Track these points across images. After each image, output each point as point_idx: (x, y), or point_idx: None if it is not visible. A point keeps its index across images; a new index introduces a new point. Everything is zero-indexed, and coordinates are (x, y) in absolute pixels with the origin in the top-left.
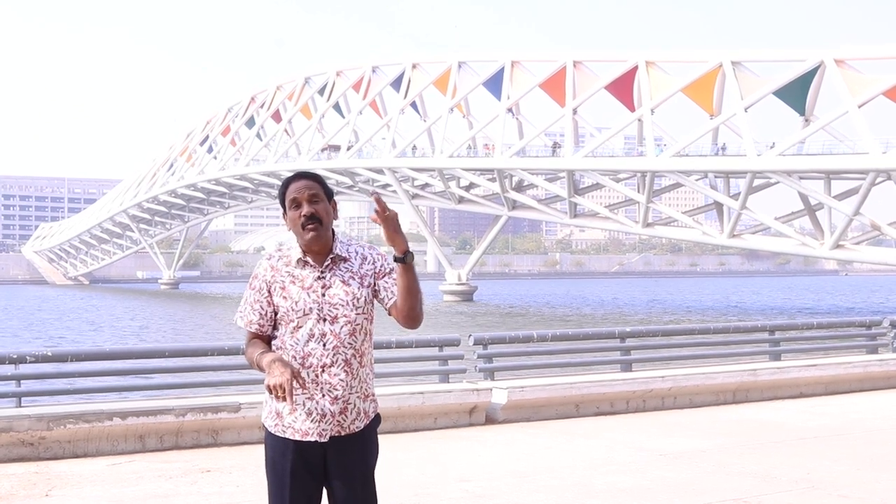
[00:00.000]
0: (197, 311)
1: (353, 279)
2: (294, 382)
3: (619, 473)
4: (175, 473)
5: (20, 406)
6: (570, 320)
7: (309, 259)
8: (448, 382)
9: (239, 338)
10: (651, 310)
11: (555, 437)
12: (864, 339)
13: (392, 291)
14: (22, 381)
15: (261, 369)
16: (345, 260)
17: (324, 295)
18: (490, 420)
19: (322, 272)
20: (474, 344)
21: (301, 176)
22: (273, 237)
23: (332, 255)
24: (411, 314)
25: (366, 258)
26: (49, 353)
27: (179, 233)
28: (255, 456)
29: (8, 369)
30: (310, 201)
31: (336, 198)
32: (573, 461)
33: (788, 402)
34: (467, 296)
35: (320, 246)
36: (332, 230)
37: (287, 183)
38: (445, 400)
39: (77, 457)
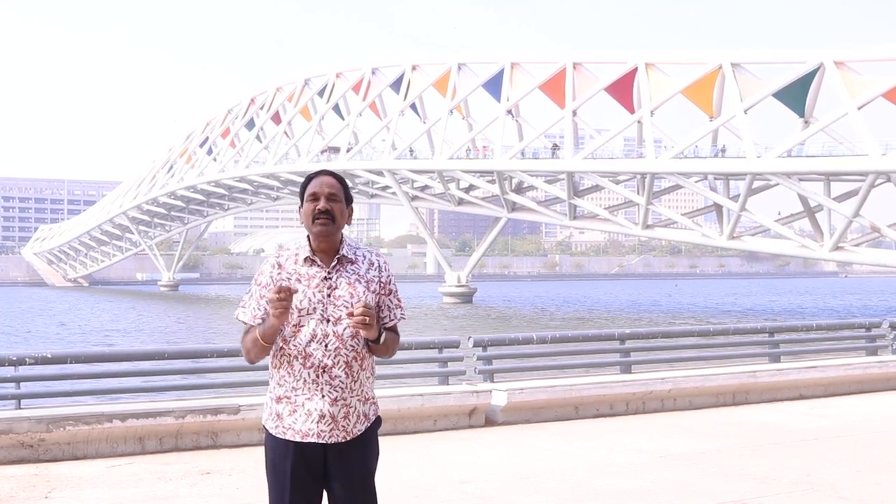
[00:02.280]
0: (196, 313)
1: (359, 282)
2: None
3: (618, 475)
4: (174, 475)
5: (20, 408)
6: (570, 320)
7: (317, 259)
8: (448, 384)
9: (237, 339)
10: (650, 311)
11: (554, 438)
12: (864, 340)
13: (394, 314)
14: (21, 383)
15: (267, 339)
16: (352, 262)
17: (329, 295)
18: (490, 422)
19: (329, 273)
20: (474, 346)
21: (325, 173)
22: (272, 239)
23: (338, 256)
24: (382, 357)
25: (373, 263)
26: (48, 355)
27: (179, 235)
28: (255, 458)
29: (7, 371)
30: (328, 198)
31: None
32: (573, 463)
33: (788, 404)
34: (467, 297)
35: (328, 244)
36: (342, 234)
37: (311, 177)
38: (445, 402)
39: (76, 459)
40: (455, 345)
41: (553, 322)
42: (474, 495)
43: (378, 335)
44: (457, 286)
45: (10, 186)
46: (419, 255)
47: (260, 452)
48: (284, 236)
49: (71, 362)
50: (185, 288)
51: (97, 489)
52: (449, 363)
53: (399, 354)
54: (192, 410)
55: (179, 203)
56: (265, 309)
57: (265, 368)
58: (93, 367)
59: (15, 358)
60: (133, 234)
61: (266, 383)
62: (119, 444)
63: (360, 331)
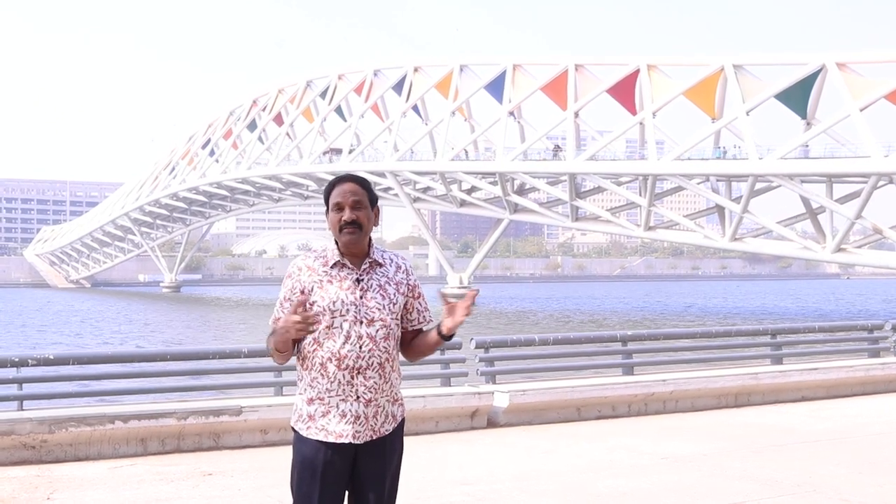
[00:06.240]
0: (199, 315)
1: (390, 284)
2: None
3: (620, 477)
4: (177, 477)
5: (22, 409)
6: (572, 321)
7: (346, 262)
8: (450, 386)
9: (239, 340)
10: (651, 312)
11: (556, 440)
12: (866, 342)
13: (424, 317)
14: (24, 385)
15: (281, 349)
16: (380, 265)
17: (362, 297)
18: (492, 423)
19: (360, 275)
20: (476, 347)
21: (348, 179)
22: (275, 240)
23: (370, 260)
24: (420, 358)
25: (399, 266)
26: (51, 357)
27: (181, 236)
28: (257, 459)
29: (10, 372)
30: (353, 207)
31: None
32: (575, 464)
33: (790, 406)
34: None
35: (357, 249)
36: (370, 237)
37: (334, 184)
38: (447, 403)
39: (79, 460)
40: (457, 346)
41: (555, 323)
42: (476, 497)
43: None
44: (459, 288)
45: (12, 187)
46: (421, 257)
47: (262, 454)
48: (287, 238)
49: (73, 364)
50: (188, 289)
51: (99, 490)
52: (451, 365)
53: (400, 356)
54: (194, 412)
55: (181, 204)
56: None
57: (266, 370)
58: (95, 369)
59: (17, 359)
60: (135, 235)
61: (266, 385)
62: (121, 445)
63: (447, 322)
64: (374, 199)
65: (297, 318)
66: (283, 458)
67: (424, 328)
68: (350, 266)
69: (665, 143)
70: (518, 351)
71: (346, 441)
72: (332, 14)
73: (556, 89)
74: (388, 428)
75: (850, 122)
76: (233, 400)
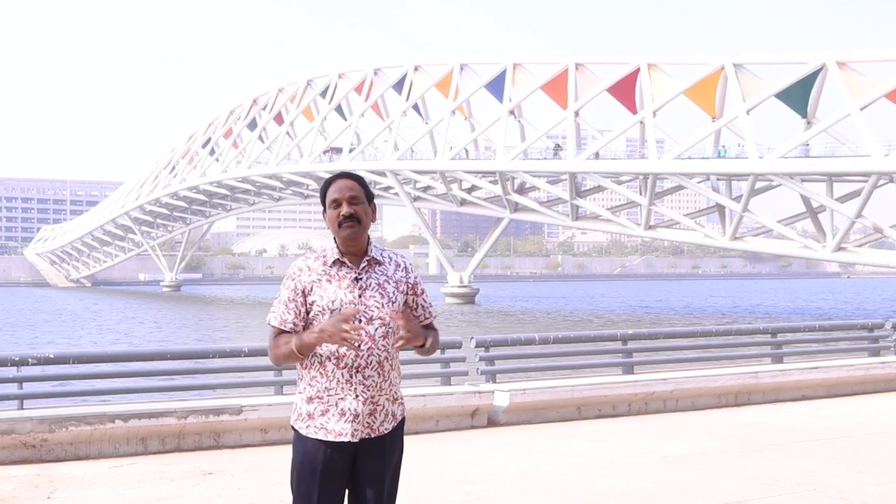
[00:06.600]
0: (195, 314)
1: (389, 283)
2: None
3: (620, 476)
4: (177, 476)
5: (22, 408)
6: (572, 320)
7: (345, 260)
8: (450, 385)
9: (239, 339)
10: (652, 312)
11: (556, 439)
12: (866, 341)
13: (430, 312)
14: (24, 384)
15: (303, 352)
16: (380, 263)
17: (360, 296)
18: (492, 422)
19: (359, 274)
20: (476, 346)
21: (343, 176)
22: (275, 239)
23: (368, 258)
24: (427, 355)
25: (399, 265)
26: (51, 356)
27: (181, 235)
28: (257, 458)
29: (10, 371)
30: (350, 202)
31: None
32: (575, 463)
33: (790, 405)
34: (469, 298)
35: (356, 247)
36: (368, 234)
37: (329, 182)
38: (447, 402)
39: (79, 459)
40: (457, 345)
41: (555, 322)
42: (476, 496)
43: (424, 341)
44: (459, 287)
45: (12, 186)
46: (421, 256)
47: (262, 453)
48: (287, 237)
49: (73, 363)
50: (188, 288)
51: (99, 489)
52: (451, 364)
53: (401, 355)
54: (194, 411)
55: (182, 203)
56: (294, 313)
57: (266, 369)
58: (95, 368)
59: (17, 358)
60: (135, 234)
61: (266, 384)
62: (121, 444)
63: (407, 341)
64: (370, 196)
65: (346, 326)
66: (283, 457)
67: (434, 323)
68: (349, 265)
69: (665, 142)
70: (518, 350)
71: (345, 440)
72: (332, 14)
73: (557, 88)
74: (388, 426)
75: (850, 121)
76: (233, 399)
